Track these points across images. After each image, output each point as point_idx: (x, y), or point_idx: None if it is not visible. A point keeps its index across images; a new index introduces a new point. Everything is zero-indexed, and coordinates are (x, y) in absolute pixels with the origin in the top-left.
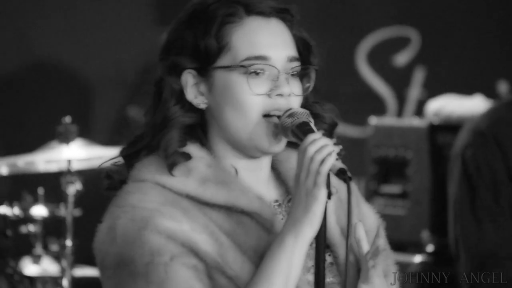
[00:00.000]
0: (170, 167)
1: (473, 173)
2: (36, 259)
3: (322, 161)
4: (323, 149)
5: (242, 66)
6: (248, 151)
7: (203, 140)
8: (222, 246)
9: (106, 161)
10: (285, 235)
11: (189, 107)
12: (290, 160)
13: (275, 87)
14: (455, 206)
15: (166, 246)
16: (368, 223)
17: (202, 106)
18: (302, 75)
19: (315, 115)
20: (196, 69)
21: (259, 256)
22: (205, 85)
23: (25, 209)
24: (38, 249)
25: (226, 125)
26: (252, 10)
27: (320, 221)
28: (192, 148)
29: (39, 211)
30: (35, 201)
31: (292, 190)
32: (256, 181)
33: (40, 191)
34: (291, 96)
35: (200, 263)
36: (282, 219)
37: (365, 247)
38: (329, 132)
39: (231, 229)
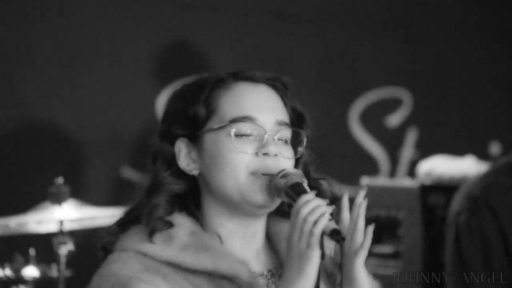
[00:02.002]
0: (150, 234)
1: (466, 240)
2: None
3: (315, 222)
4: (316, 210)
5: (229, 126)
6: (242, 210)
7: (191, 208)
8: None
9: (102, 231)
10: None
11: (180, 175)
12: (281, 234)
13: (261, 147)
14: (447, 272)
15: None
16: None
17: (194, 172)
18: (295, 143)
19: (316, 190)
20: (187, 136)
21: None
22: (196, 151)
23: (17, 270)
24: None
25: (217, 186)
26: (240, 77)
27: (314, 282)
28: (178, 217)
29: (31, 272)
30: (27, 262)
31: (283, 259)
32: (247, 248)
33: (32, 252)
34: (279, 157)
35: None
36: None
37: (346, 215)
38: (331, 204)
39: None
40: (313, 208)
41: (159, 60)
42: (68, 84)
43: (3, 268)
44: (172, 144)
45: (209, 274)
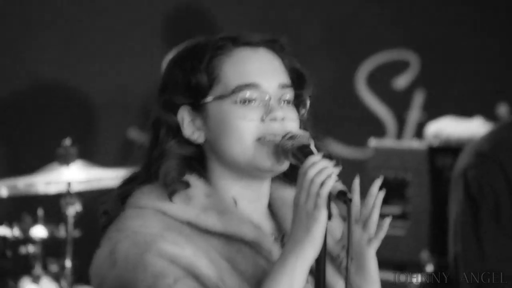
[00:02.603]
0: (171, 194)
1: (476, 194)
2: (36, 280)
3: (322, 184)
4: (323, 171)
5: (233, 94)
6: (249, 176)
7: (201, 172)
8: (223, 272)
9: (104, 196)
10: (287, 256)
11: (186, 143)
12: (283, 199)
13: (268, 112)
14: (456, 226)
15: (168, 269)
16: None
17: (200, 140)
18: (297, 104)
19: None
20: (190, 104)
21: (258, 285)
22: (200, 120)
23: (25, 230)
24: (38, 270)
25: (224, 154)
26: (239, 42)
27: (321, 242)
28: (191, 178)
29: (39, 232)
30: (35, 222)
31: (284, 225)
32: (254, 211)
33: (40, 212)
34: (286, 121)
35: (202, 287)
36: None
37: (357, 198)
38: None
39: (231, 257)
40: (320, 170)
41: (166, 22)
42: (76, 47)
43: (12, 228)
44: (175, 113)
45: (227, 237)
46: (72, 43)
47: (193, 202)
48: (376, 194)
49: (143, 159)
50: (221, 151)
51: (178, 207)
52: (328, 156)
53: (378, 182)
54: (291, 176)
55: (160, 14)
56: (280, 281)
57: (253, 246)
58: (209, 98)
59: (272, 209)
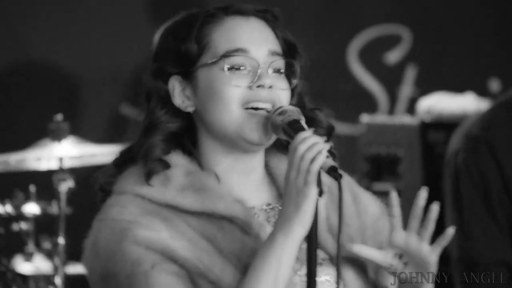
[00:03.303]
0: (148, 177)
1: (464, 178)
2: (28, 257)
3: (312, 160)
4: (313, 147)
5: (221, 60)
6: (237, 146)
7: (188, 146)
8: (202, 251)
9: (99, 172)
10: (276, 233)
11: (176, 113)
12: (280, 165)
13: (256, 80)
14: (446, 210)
15: (145, 255)
16: (371, 211)
17: (190, 109)
18: (288, 74)
19: (312, 120)
20: (181, 73)
21: (240, 259)
22: (190, 88)
23: (17, 207)
24: (30, 247)
25: (212, 122)
26: (230, 11)
27: (311, 219)
28: (174, 156)
29: (31, 208)
30: (27, 198)
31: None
32: (244, 183)
33: (32, 188)
34: (274, 89)
35: (181, 269)
36: (273, 222)
37: (397, 211)
38: (327, 136)
39: (212, 235)
40: (310, 145)
41: None
42: (66, 22)
43: (4, 204)
44: (166, 82)
45: (208, 215)
46: (63, 19)
47: (171, 182)
48: (422, 205)
49: (138, 131)
50: (209, 120)
51: (155, 190)
52: (328, 125)
53: (424, 194)
54: (286, 148)
55: None
56: (269, 257)
57: (234, 221)
58: (197, 65)
59: (272, 178)
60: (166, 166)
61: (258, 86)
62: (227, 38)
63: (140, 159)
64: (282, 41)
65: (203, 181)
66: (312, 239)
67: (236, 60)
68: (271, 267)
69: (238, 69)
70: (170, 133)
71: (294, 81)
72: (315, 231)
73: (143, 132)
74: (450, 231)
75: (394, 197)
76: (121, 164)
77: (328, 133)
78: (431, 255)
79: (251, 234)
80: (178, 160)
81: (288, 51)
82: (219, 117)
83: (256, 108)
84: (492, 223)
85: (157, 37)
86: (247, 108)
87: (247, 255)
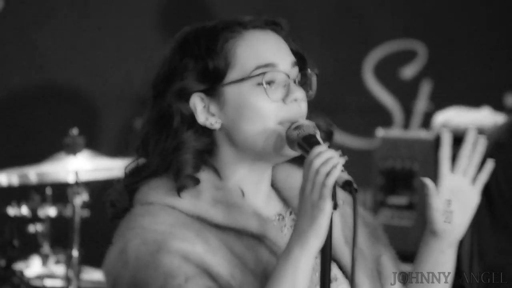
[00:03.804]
0: (180, 190)
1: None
2: (44, 259)
3: (328, 174)
4: (328, 162)
5: (253, 75)
6: (259, 159)
7: (209, 162)
8: (235, 268)
9: (109, 190)
10: (291, 247)
11: (201, 131)
12: (289, 179)
13: (288, 93)
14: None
15: (180, 268)
16: (368, 220)
17: (217, 126)
18: (301, 84)
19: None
20: (203, 91)
21: (267, 279)
22: (215, 105)
23: (33, 209)
24: (46, 249)
25: (243, 138)
26: (248, 26)
27: (326, 232)
28: (202, 173)
29: (47, 210)
30: (43, 201)
31: (292, 205)
32: (258, 193)
33: (48, 191)
34: (301, 102)
35: (214, 284)
36: (286, 231)
37: (446, 152)
38: (327, 140)
39: (241, 252)
40: (325, 160)
41: (169, 12)
42: (81, 39)
43: (20, 206)
44: (187, 101)
45: (237, 231)
46: (78, 36)
47: (202, 196)
48: (472, 142)
49: (152, 150)
50: (241, 135)
51: (187, 202)
52: (328, 133)
53: (472, 132)
54: (295, 160)
55: (162, 3)
56: (284, 273)
57: (263, 241)
58: (225, 82)
59: (277, 190)
60: (197, 182)
61: (293, 100)
62: (254, 53)
63: (173, 174)
64: (293, 52)
65: (233, 196)
66: (326, 251)
67: (268, 75)
68: (287, 281)
69: (269, 84)
70: (197, 151)
71: (311, 92)
72: (330, 244)
73: (171, 152)
74: (490, 164)
75: (446, 136)
76: (134, 181)
77: (328, 136)
78: (474, 189)
79: (277, 254)
80: (206, 176)
81: (299, 62)
82: (253, 133)
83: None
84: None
85: (167, 52)
86: (279, 123)
87: None
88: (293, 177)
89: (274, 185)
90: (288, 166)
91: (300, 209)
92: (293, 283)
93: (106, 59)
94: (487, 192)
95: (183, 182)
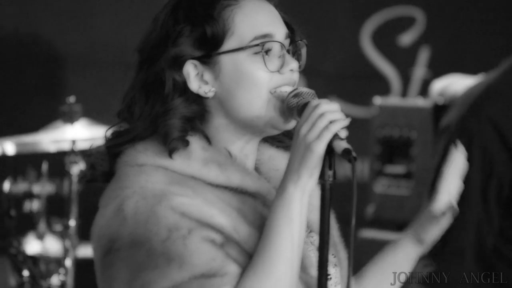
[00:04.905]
0: (172, 152)
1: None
2: (40, 236)
3: (332, 121)
4: (336, 113)
5: (251, 45)
6: (257, 130)
7: (200, 129)
8: (235, 221)
9: (90, 151)
10: (285, 184)
11: (192, 98)
12: (272, 161)
13: (284, 64)
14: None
15: (182, 221)
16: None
17: (210, 94)
18: (292, 54)
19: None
20: (198, 58)
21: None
22: (210, 73)
23: (29, 185)
24: (42, 227)
25: (238, 107)
26: None
27: (318, 173)
28: (191, 137)
29: (43, 187)
30: (39, 177)
31: (275, 185)
32: (249, 165)
33: (44, 167)
34: (296, 72)
35: (217, 236)
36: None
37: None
38: None
39: (239, 207)
40: (334, 109)
41: None
42: (76, 5)
43: (16, 182)
44: (181, 67)
45: (231, 189)
46: (77, 2)
47: (194, 156)
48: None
49: (137, 114)
50: (235, 104)
51: (179, 162)
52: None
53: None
54: (272, 138)
55: None
56: (281, 209)
57: (257, 196)
58: (222, 50)
59: (259, 171)
60: (187, 143)
61: (289, 71)
62: (252, 22)
63: (161, 137)
64: (284, 23)
65: (222, 157)
66: (324, 229)
67: (266, 45)
68: (283, 215)
69: (266, 53)
70: (185, 117)
71: (302, 62)
72: (328, 221)
73: (160, 116)
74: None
75: (455, 156)
76: (117, 143)
77: None
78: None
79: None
80: (193, 139)
81: (290, 33)
82: (247, 102)
83: (279, 92)
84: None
85: (161, 16)
86: (274, 93)
87: None
88: (276, 159)
89: (256, 167)
90: (271, 148)
91: (292, 148)
92: (289, 219)
93: (104, 28)
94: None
95: (174, 144)
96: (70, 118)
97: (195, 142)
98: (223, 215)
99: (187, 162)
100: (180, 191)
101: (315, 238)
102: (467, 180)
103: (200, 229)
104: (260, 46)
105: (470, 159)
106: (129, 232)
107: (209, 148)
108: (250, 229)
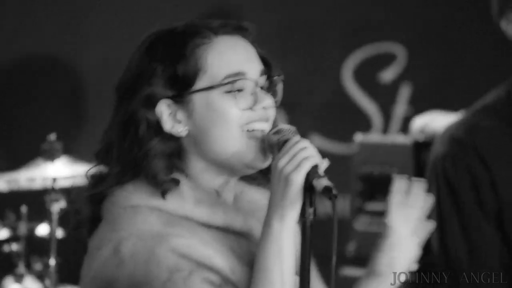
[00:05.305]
0: (165, 193)
1: (455, 182)
2: (19, 279)
3: (311, 156)
4: (313, 150)
5: (223, 84)
6: (234, 169)
7: (181, 167)
8: (233, 262)
9: (73, 197)
10: (270, 221)
11: (167, 138)
12: (245, 195)
13: (257, 101)
14: (437, 218)
15: (182, 262)
16: None
17: (183, 133)
18: (268, 90)
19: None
20: (171, 97)
21: None
22: (183, 112)
23: (9, 228)
24: (21, 268)
25: (211, 145)
26: (218, 32)
27: (300, 203)
28: (176, 175)
29: (22, 229)
30: (18, 219)
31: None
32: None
33: (24, 209)
34: (270, 108)
35: (216, 277)
36: None
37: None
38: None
39: (233, 246)
40: (311, 147)
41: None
42: (65, 36)
43: None
44: (154, 107)
45: (223, 229)
46: (65, 32)
47: (185, 197)
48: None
49: (116, 157)
50: (208, 144)
51: (172, 203)
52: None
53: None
54: (250, 177)
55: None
56: (270, 245)
57: (247, 237)
58: (194, 89)
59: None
60: (177, 183)
61: (262, 108)
62: (224, 61)
63: (150, 179)
64: (260, 58)
65: (211, 196)
66: (304, 263)
67: (237, 84)
68: (273, 252)
69: (238, 92)
70: (166, 156)
71: (278, 98)
72: (309, 256)
73: (140, 158)
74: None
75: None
76: (102, 189)
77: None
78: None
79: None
80: (182, 179)
81: (265, 67)
82: (220, 141)
83: (253, 130)
84: (489, 229)
85: (136, 55)
86: (246, 131)
87: None
88: (247, 193)
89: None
90: (242, 183)
91: (272, 183)
92: (278, 254)
93: (88, 61)
94: (451, 189)
95: (166, 186)
96: (51, 155)
97: (184, 183)
98: (219, 255)
99: (180, 203)
100: (177, 232)
101: (295, 278)
102: (462, 203)
103: (200, 270)
104: (231, 85)
105: (458, 184)
106: (128, 274)
107: (197, 188)
108: (244, 268)
